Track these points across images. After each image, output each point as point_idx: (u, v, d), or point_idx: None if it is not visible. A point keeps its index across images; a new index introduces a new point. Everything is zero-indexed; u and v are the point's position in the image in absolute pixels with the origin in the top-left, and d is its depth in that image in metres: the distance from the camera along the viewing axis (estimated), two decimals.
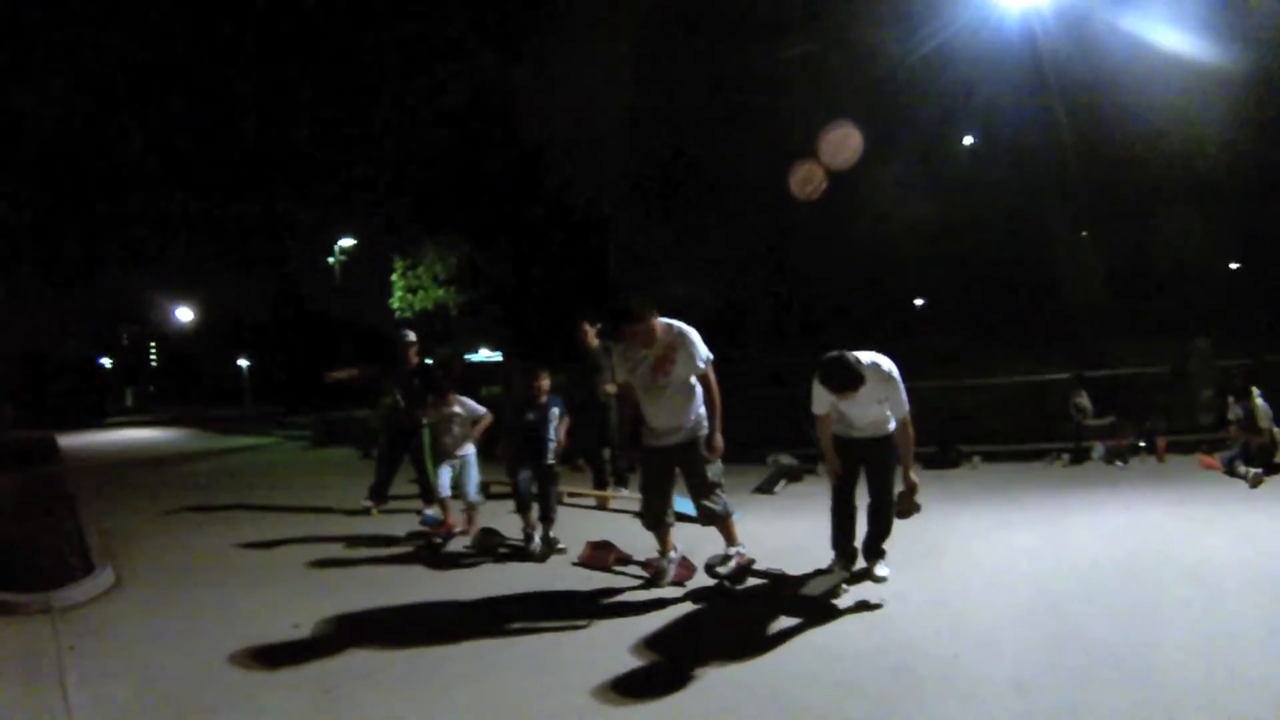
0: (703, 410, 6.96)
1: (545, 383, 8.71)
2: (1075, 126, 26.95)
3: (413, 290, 35.55)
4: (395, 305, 35.76)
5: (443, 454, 9.26)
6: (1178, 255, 33.00)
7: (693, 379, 6.87)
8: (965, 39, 24.33)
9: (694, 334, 6.80)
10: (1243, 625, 5.57)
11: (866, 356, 6.53)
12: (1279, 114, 26.95)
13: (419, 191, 35.35)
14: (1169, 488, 10.46)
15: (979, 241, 37.71)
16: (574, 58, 30.25)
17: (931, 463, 13.19)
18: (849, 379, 6.36)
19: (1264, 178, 30.37)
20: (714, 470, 6.97)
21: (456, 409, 9.34)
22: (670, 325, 6.79)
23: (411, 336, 11.21)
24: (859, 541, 7.17)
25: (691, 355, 6.75)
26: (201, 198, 49.66)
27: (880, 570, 7.05)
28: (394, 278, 36.01)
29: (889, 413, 6.79)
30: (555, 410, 8.67)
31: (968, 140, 36.34)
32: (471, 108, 33.14)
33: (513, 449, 8.77)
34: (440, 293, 35.23)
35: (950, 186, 35.16)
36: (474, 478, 9.22)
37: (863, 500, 7.11)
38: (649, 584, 7.10)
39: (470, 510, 9.18)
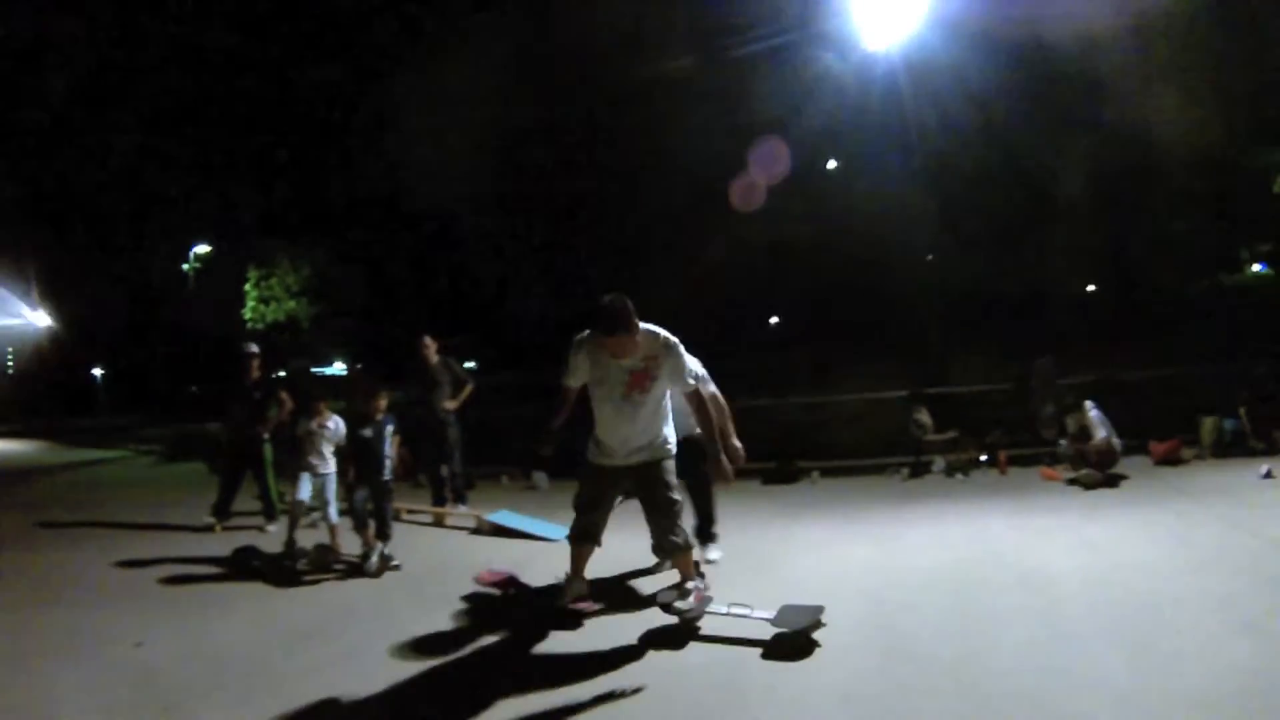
0: (668, 430, 6.30)
1: (382, 401, 8.63)
2: (933, 151, 27.62)
3: (265, 301, 34.75)
4: (248, 316, 34.88)
5: (306, 469, 9.06)
6: (1032, 277, 34.02)
7: (666, 397, 6.21)
8: (829, 65, 24.66)
9: (680, 346, 6.02)
10: (1077, 629, 5.60)
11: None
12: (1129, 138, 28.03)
13: (274, 200, 34.52)
14: (1009, 499, 10.60)
15: (833, 263, 38.30)
16: (441, 76, 29.95)
17: (770, 478, 13.10)
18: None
19: (1116, 201, 31.68)
20: (676, 494, 6.26)
21: (328, 424, 9.14)
22: (655, 335, 5.96)
23: (253, 349, 10.94)
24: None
25: (677, 370, 5.98)
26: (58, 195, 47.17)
27: (712, 554, 7.14)
28: (247, 287, 35.13)
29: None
30: (390, 428, 8.62)
31: (831, 164, 36.87)
32: (330, 120, 32.55)
33: (349, 467, 8.72)
34: (292, 304, 34.47)
35: (810, 209, 35.68)
36: (333, 495, 9.06)
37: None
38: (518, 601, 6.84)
39: (332, 529, 8.98)
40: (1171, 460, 12.10)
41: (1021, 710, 4.50)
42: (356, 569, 8.25)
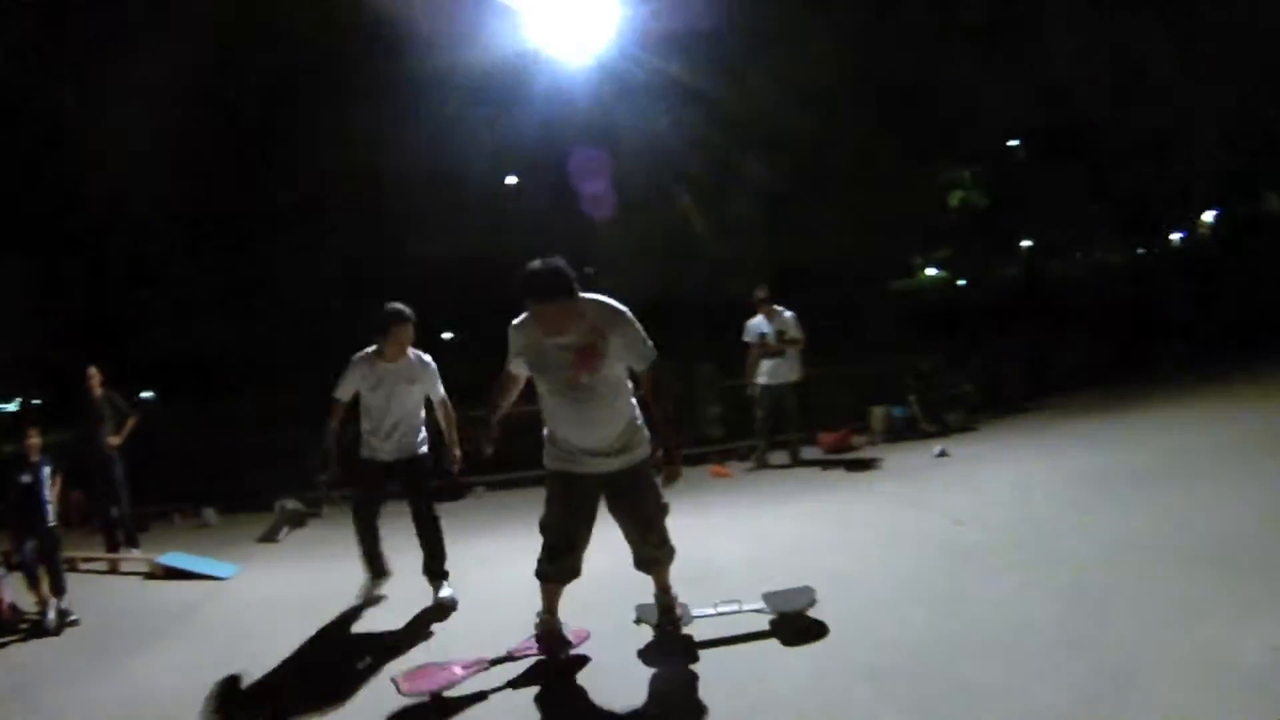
0: (639, 418, 5.26)
1: (35, 440, 8.09)
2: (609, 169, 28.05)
3: None
4: None
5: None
6: (698, 291, 35.07)
7: (627, 378, 5.16)
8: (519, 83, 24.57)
9: (630, 315, 4.97)
10: (750, 617, 5.62)
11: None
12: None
13: None
14: (679, 498, 10.33)
15: (504, 277, 38.44)
16: (130, 92, 28.12)
17: (435, 496, 12.59)
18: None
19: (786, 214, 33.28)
20: (661, 502, 5.37)
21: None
22: (601, 303, 4.93)
23: None
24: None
25: (631, 343, 4.91)
26: None
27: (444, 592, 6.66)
28: None
29: None
30: (47, 469, 8.13)
31: (511, 180, 36.91)
32: None
33: (11, 516, 8.03)
34: None
35: (488, 224, 35.71)
36: None
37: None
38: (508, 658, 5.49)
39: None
40: (841, 449, 12.65)
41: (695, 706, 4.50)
42: (36, 627, 7.48)
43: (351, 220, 34.66)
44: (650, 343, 4.98)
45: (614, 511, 5.31)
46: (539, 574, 5.31)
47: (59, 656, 6.82)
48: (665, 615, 5.51)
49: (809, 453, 12.32)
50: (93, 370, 10.66)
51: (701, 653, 5.22)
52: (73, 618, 7.65)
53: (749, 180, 32.96)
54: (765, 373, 11.61)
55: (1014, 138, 42.65)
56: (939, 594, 5.68)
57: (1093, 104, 35.78)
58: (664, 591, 5.54)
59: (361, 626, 6.67)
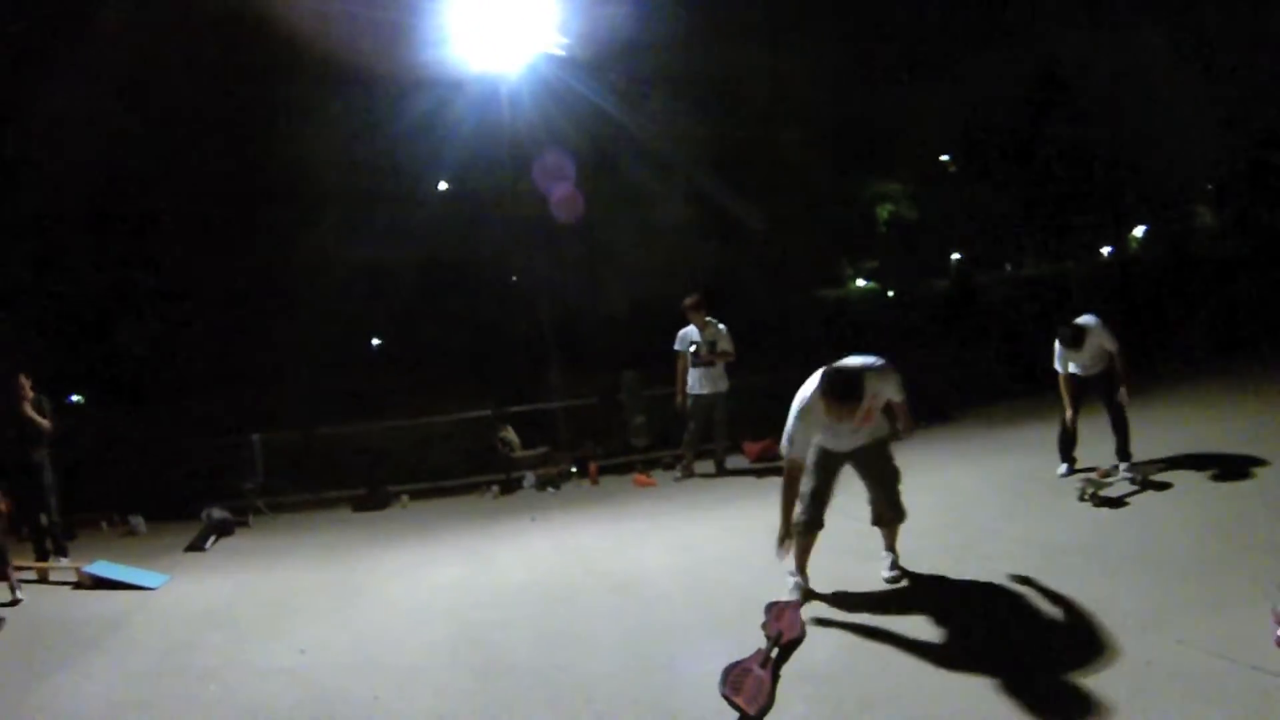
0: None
1: None
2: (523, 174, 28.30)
3: None
4: None
5: None
6: (609, 297, 35.32)
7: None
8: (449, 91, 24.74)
9: (888, 368, 5.81)
10: (674, 626, 5.83)
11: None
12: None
13: None
14: (603, 507, 10.82)
15: (429, 285, 38.54)
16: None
17: (360, 505, 12.76)
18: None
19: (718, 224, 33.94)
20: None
21: None
22: (873, 373, 5.71)
23: None
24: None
25: (894, 384, 5.90)
26: None
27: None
28: None
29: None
30: None
31: (442, 185, 36.97)
32: None
33: None
34: None
35: (415, 230, 35.70)
36: None
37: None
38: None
39: None
40: (769, 457, 12.59)
41: (625, 712, 4.61)
42: None
43: (273, 227, 34.62)
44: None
45: (867, 475, 6.14)
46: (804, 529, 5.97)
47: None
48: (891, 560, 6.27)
49: (733, 462, 12.41)
50: (23, 379, 10.57)
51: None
52: None
53: (679, 190, 33.44)
54: (696, 382, 11.75)
55: (944, 152, 43.78)
56: (867, 601, 5.86)
57: (1020, 118, 37.06)
58: (890, 545, 6.31)
59: (287, 637, 6.66)
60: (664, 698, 4.73)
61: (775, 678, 4.78)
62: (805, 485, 5.98)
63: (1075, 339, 8.09)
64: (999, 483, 8.95)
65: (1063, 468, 8.69)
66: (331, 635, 6.58)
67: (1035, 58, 38.79)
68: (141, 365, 36.11)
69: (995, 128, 41.05)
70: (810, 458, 6.03)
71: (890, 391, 5.86)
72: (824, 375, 5.51)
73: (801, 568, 6.04)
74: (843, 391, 5.35)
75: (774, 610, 5.45)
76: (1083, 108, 39.60)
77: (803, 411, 5.68)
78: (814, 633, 5.36)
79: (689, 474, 12.14)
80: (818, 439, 5.99)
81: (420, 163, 33.33)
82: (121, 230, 35.12)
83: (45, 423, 10.44)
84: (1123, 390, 8.24)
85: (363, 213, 34.65)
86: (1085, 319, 8.20)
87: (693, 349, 11.53)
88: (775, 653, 5.00)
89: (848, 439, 5.91)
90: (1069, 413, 8.58)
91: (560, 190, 28.46)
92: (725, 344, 11.57)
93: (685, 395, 11.70)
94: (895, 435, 6.24)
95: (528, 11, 14.83)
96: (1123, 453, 8.17)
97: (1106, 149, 39.30)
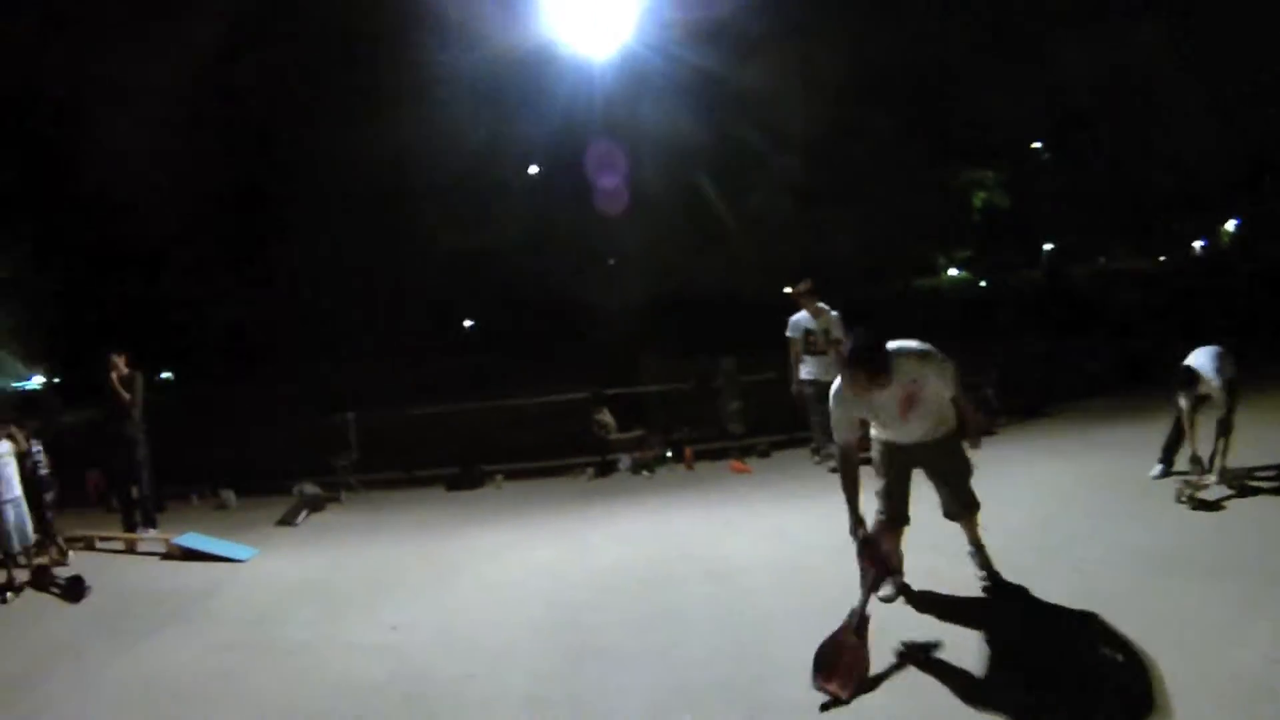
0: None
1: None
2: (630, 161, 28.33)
3: None
4: None
5: None
6: (704, 283, 35.19)
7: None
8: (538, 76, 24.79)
9: (935, 355, 5.57)
10: (768, 613, 5.84)
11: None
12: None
13: None
14: (696, 494, 10.76)
15: (529, 268, 38.76)
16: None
17: (454, 484, 12.83)
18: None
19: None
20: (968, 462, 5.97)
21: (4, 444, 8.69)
22: (911, 355, 5.49)
23: None
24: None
25: (943, 376, 5.59)
26: None
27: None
28: None
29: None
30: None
31: (533, 170, 37.13)
32: None
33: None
34: None
35: (508, 215, 35.90)
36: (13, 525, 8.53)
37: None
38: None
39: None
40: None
41: (718, 699, 4.62)
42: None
43: (368, 212, 35.01)
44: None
45: (934, 470, 5.91)
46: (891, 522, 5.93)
47: (72, 636, 6.91)
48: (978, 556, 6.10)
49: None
50: (115, 358, 10.78)
51: None
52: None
53: (772, 176, 33.23)
54: (813, 369, 11.52)
55: (1035, 140, 43.01)
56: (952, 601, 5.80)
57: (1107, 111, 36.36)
58: (972, 539, 6.10)
59: (379, 613, 6.75)
60: (755, 686, 4.73)
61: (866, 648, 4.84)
62: (880, 483, 5.95)
63: (1188, 382, 7.82)
64: (1093, 482, 8.70)
65: (1157, 469, 8.43)
66: (424, 613, 6.65)
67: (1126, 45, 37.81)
68: (238, 343, 36.86)
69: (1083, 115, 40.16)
70: (875, 454, 5.99)
71: (940, 382, 5.60)
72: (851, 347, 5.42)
73: (890, 563, 5.81)
74: (862, 359, 5.23)
75: (866, 550, 5.41)
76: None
77: (838, 392, 5.57)
78: (902, 625, 5.35)
79: (828, 457, 11.81)
80: (875, 432, 5.96)
81: (515, 145, 33.45)
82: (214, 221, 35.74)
83: (126, 395, 10.64)
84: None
85: (460, 202, 34.87)
86: (1198, 359, 7.88)
87: (807, 335, 11.35)
88: (869, 611, 5.06)
89: (900, 430, 5.76)
90: (1188, 422, 8.27)
91: (610, 179, 28.46)
92: (838, 331, 11.38)
93: (799, 381, 11.51)
94: (964, 439, 5.97)
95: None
96: (1221, 457, 7.93)
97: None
